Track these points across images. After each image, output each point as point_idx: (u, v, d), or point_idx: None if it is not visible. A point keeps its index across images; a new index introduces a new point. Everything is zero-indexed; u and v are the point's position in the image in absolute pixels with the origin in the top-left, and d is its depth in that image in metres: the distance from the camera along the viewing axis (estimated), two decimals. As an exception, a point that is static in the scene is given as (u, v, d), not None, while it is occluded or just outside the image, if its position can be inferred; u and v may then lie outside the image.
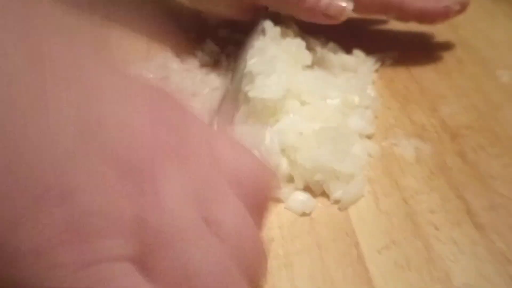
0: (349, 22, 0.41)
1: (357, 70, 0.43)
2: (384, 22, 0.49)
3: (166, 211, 0.17)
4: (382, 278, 0.28)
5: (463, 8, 0.42)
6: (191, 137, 0.18)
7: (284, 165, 0.33)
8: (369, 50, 0.44)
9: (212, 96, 0.39)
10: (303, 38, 0.41)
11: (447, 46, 0.47)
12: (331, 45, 0.44)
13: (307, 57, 0.40)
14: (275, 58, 0.37)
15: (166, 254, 0.16)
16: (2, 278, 0.15)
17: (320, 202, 0.33)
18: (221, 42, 0.46)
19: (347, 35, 0.44)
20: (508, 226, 0.30)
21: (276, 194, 0.20)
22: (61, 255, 0.15)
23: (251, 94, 0.35)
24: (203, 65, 0.43)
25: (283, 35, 0.40)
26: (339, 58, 0.43)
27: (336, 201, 0.32)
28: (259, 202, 0.20)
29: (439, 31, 0.48)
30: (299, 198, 0.33)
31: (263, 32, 0.40)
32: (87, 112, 0.16)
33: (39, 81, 0.15)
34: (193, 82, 0.40)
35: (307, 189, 0.33)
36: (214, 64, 0.44)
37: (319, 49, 0.43)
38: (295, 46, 0.40)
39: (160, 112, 0.18)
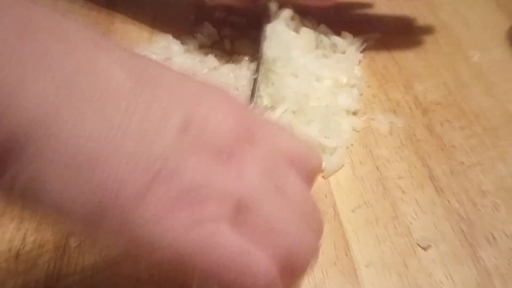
0: (337, 6, 0.45)
1: (345, 51, 0.47)
2: (369, 6, 0.53)
3: (248, 182, 0.22)
4: (354, 233, 0.33)
5: None
6: (253, 125, 0.24)
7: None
8: (355, 33, 0.48)
9: (210, 75, 0.43)
10: (301, 22, 0.46)
11: (426, 28, 0.51)
12: (323, 27, 0.48)
13: (314, 43, 0.44)
14: (290, 45, 0.42)
15: (252, 214, 0.21)
16: (128, 241, 0.19)
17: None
18: (218, 24, 0.50)
19: (335, 18, 0.49)
20: (464, 189, 0.35)
21: (320, 168, 0.25)
22: (175, 219, 0.19)
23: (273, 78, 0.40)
24: (201, 46, 0.48)
25: (295, 23, 0.45)
26: (330, 40, 0.47)
27: (319, 170, 0.37)
28: (308, 175, 0.25)
29: (421, 14, 0.52)
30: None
31: (275, 17, 0.45)
32: (181, 113, 0.21)
33: (146, 97, 0.20)
34: (193, 62, 0.45)
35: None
36: (212, 45, 0.48)
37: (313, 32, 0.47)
38: (306, 33, 0.44)
39: (228, 107, 0.23)
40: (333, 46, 0.47)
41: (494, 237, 0.32)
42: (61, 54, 0.19)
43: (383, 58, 0.47)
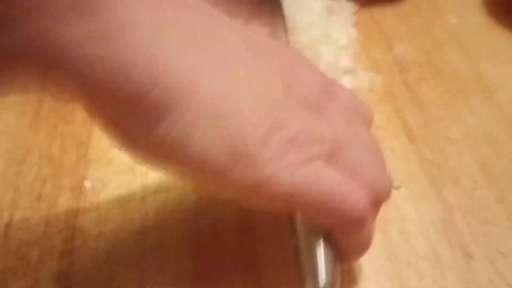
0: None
1: (340, 13, 0.50)
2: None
3: (337, 128, 0.27)
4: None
5: None
6: (330, 84, 0.29)
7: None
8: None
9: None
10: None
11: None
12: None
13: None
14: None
15: (340, 154, 0.26)
16: (252, 182, 0.24)
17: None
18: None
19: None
20: (434, 138, 0.40)
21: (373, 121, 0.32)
22: (288, 160, 0.24)
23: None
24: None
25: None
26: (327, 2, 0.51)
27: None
28: (369, 126, 0.31)
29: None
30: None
31: None
32: (283, 73, 0.26)
33: (258, 60, 0.25)
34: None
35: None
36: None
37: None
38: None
39: (312, 68, 0.28)
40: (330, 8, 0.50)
41: (458, 179, 0.37)
42: (196, 27, 0.23)
43: (366, 20, 0.51)
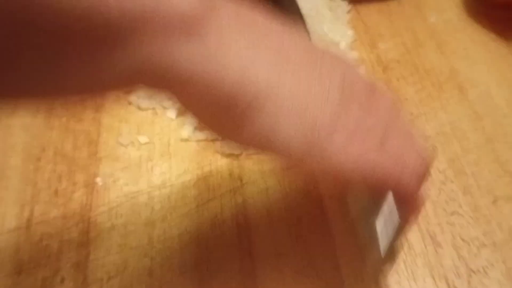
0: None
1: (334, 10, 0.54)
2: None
3: (382, 121, 0.31)
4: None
5: None
6: (369, 83, 0.33)
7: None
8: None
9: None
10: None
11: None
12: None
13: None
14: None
15: (387, 142, 0.30)
16: (323, 166, 0.28)
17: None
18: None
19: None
20: (410, 135, 0.44)
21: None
22: (352, 149, 0.29)
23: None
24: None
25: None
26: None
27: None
28: (399, 109, 0.35)
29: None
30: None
31: None
32: (338, 75, 0.30)
33: (318, 66, 0.29)
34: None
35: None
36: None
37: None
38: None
39: (356, 68, 0.33)
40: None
41: (430, 173, 0.41)
42: (272, 44, 0.28)
43: (352, 19, 0.54)
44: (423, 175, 0.33)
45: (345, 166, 0.29)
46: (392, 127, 0.32)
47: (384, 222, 0.31)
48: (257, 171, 0.41)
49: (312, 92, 0.28)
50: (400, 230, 0.32)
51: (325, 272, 0.35)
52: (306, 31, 0.47)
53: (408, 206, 0.32)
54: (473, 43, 0.52)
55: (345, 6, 0.55)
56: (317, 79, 0.29)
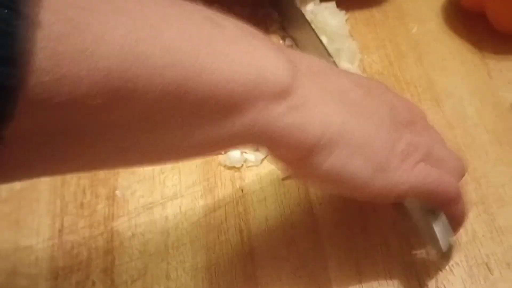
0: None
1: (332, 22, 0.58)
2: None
3: (424, 136, 0.38)
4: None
5: None
6: (409, 104, 0.40)
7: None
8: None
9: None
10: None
11: (379, 1, 0.62)
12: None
13: None
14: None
15: (431, 154, 0.37)
16: (387, 188, 0.35)
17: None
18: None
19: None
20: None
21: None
22: (405, 165, 0.35)
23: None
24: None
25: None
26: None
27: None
28: (429, 123, 0.41)
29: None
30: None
31: None
32: (386, 104, 0.37)
33: (369, 97, 0.36)
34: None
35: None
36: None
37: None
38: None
39: (399, 96, 0.40)
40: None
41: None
42: (336, 88, 0.34)
43: (341, 31, 0.59)
44: (463, 174, 0.40)
45: (403, 180, 0.35)
46: (432, 140, 0.38)
47: (442, 222, 0.38)
48: (256, 182, 0.47)
49: (369, 122, 0.34)
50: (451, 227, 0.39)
51: (316, 274, 0.42)
52: (326, 49, 0.52)
53: (454, 202, 0.38)
54: (450, 54, 0.56)
55: (343, 16, 0.59)
56: (374, 113, 0.35)
